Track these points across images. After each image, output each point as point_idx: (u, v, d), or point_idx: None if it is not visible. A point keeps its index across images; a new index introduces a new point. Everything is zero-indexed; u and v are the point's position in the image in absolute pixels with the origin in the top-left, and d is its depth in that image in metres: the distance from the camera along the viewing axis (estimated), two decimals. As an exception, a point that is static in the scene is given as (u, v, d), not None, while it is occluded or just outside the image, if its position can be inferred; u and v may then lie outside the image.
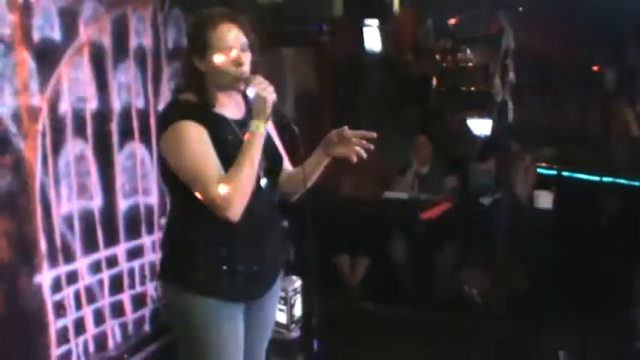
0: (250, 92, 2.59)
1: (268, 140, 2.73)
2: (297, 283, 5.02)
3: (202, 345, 2.68)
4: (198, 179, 2.51)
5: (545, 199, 6.00)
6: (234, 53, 2.62)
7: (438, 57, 7.87)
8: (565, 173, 6.47)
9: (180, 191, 2.61)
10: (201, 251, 2.64)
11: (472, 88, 7.85)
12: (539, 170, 6.45)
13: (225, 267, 2.64)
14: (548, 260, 5.56)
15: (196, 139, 2.54)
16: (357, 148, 2.78)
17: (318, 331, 2.84)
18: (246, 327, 2.78)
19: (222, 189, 2.47)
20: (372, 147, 2.81)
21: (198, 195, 2.51)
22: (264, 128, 2.58)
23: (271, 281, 2.86)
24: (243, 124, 2.69)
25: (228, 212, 2.50)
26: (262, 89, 2.57)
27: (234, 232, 2.60)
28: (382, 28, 7.36)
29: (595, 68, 7.59)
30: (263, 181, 2.70)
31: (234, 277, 2.66)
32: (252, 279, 2.72)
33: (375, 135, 2.82)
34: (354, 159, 2.78)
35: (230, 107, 2.73)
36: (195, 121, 2.55)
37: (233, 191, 2.49)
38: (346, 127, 2.81)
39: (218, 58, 2.62)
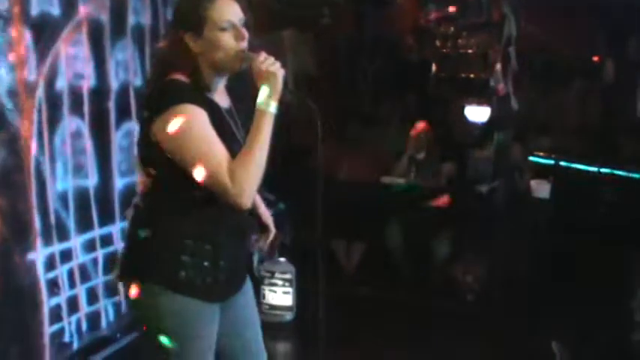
0: (255, 69, 2.39)
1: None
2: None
3: (181, 351, 2.46)
4: (208, 166, 2.31)
5: (542, 189, 5.98)
6: (236, 28, 2.44)
7: (438, 43, 7.84)
8: (563, 163, 6.46)
9: (169, 181, 2.44)
10: (187, 247, 2.43)
11: (472, 75, 7.83)
12: (536, 160, 6.44)
13: (207, 264, 2.46)
14: (544, 250, 5.56)
15: (202, 123, 2.34)
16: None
17: (317, 315, 2.78)
18: (224, 326, 2.61)
19: (234, 175, 2.30)
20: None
21: (205, 181, 2.32)
22: (275, 107, 2.39)
23: (244, 277, 2.73)
24: (230, 113, 2.55)
25: (241, 199, 2.33)
26: (270, 64, 2.39)
27: (219, 227, 2.48)
28: (383, 12, 7.34)
29: (595, 58, 7.58)
30: None
31: (217, 274, 2.48)
32: (232, 276, 2.58)
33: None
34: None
35: (219, 94, 2.55)
36: (197, 105, 2.36)
37: (246, 177, 2.32)
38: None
39: (219, 34, 2.42)
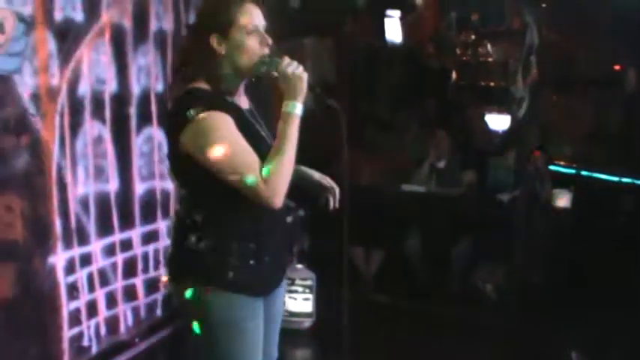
0: (280, 73, 2.45)
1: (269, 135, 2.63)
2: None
3: (232, 345, 2.56)
4: (240, 170, 2.37)
5: (563, 199, 5.95)
6: (261, 33, 2.50)
7: (458, 51, 7.83)
8: (584, 172, 6.43)
9: (207, 188, 2.47)
10: (233, 249, 2.50)
11: (492, 84, 7.81)
12: (557, 169, 6.41)
13: (252, 262, 2.53)
14: (565, 259, 5.52)
15: (229, 129, 2.39)
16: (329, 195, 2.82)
17: (340, 322, 2.79)
18: (264, 320, 2.69)
19: (267, 177, 2.37)
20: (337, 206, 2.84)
21: (238, 186, 2.38)
22: (301, 109, 2.46)
23: (284, 270, 2.82)
24: (252, 114, 2.61)
25: (274, 200, 2.40)
26: (295, 68, 2.45)
27: (260, 225, 2.53)
28: (403, 20, 7.33)
29: (617, 67, 7.53)
30: None
31: (261, 270, 2.57)
32: (274, 270, 2.67)
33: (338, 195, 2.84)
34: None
35: (239, 96, 2.59)
36: (222, 111, 2.40)
37: (278, 178, 2.39)
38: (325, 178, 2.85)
39: (246, 38, 2.47)
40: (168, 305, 4.85)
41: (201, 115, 2.37)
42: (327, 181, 2.86)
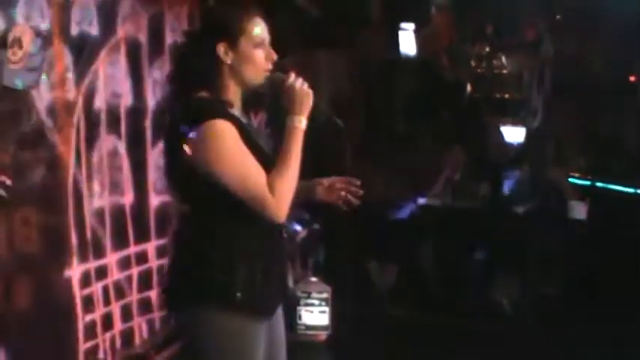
0: (285, 88, 2.42)
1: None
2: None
3: None
4: (246, 181, 2.32)
5: (579, 210, 5.92)
6: (267, 47, 2.46)
7: (473, 63, 7.83)
8: (599, 184, 6.41)
9: (210, 202, 2.39)
10: (239, 267, 2.40)
11: (506, 96, 7.80)
12: (573, 180, 6.39)
13: (260, 283, 2.43)
14: (581, 271, 5.50)
15: (235, 139, 2.32)
16: (344, 194, 2.68)
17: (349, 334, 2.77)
18: (268, 343, 2.58)
19: (272, 191, 2.32)
20: (361, 192, 2.69)
21: (243, 198, 2.31)
22: (305, 124, 2.42)
23: (283, 293, 2.73)
24: (251, 126, 2.53)
25: (279, 212, 2.35)
26: (301, 84, 2.42)
27: (265, 246, 2.46)
28: (418, 32, 7.33)
29: (632, 78, 7.51)
30: None
31: (268, 292, 2.48)
32: (276, 292, 2.56)
33: (358, 183, 2.69)
34: (343, 206, 2.70)
35: (239, 109, 2.50)
36: (227, 121, 2.33)
37: (284, 193, 2.35)
38: (335, 178, 2.70)
39: (253, 49, 2.41)
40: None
41: (208, 123, 2.30)
42: (340, 181, 2.71)
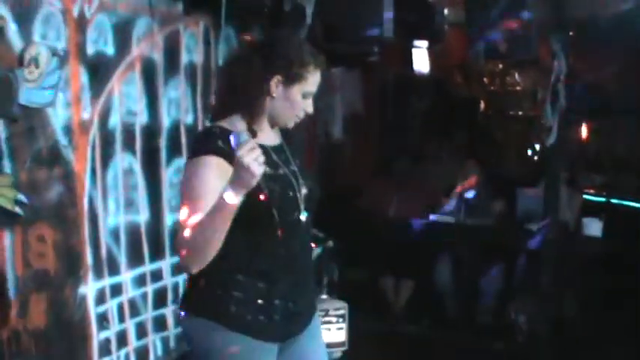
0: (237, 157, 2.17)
1: (301, 169, 2.59)
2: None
3: None
4: (182, 212, 2.34)
5: (594, 227, 5.89)
6: (310, 99, 2.51)
7: (486, 80, 7.84)
8: (614, 200, 6.38)
9: None
10: (239, 282, 2.43)
11: (520, 113, 7.80)
12: (587, 197, 6.36)
13: (260, 301, 2.44)
14: (596, 289, 5.46)
15: (204, 176, 2.34)
16: None
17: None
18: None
19: (182, 235, 2.29)
20: None
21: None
22: (239, 200, 2.22)
23: (309, 317, 2.67)
24: (281, 150, 2.58)
25: (179, 257, 2.34)
26: (254, 159, 2.15)
27: (273, 264, 2.46)
28: (431, 49, 7.35)
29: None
30: (303, 215, 2.52)
31: (271, 313, 2.46)
32: (289, 316, 2.52)
33: None
34: None
35: (266, 133, 2.53)
36: (224, 157, 2.33)
37: (188, 242, 2.29)
38: None
39: (300, 97, 2.47)
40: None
41: (193, 160, 2.40)
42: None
